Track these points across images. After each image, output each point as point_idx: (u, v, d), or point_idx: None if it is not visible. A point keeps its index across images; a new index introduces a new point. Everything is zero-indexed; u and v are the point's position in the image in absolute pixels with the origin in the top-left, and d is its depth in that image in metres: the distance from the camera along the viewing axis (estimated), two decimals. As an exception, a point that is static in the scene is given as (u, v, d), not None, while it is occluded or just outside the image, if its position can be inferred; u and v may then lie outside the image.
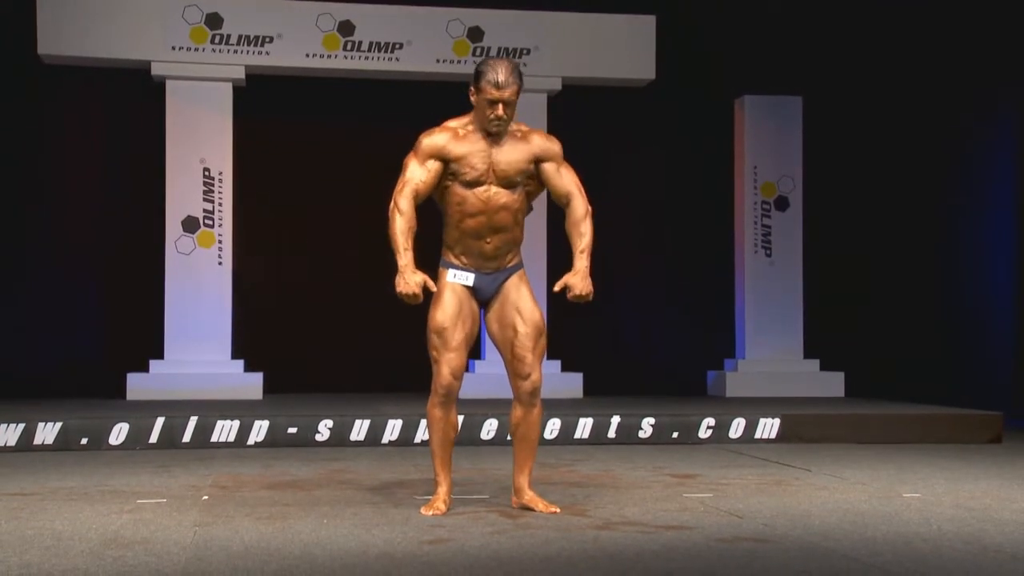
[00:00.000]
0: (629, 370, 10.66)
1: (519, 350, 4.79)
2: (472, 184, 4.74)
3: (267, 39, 9.63)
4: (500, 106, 4.66)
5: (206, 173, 9.62)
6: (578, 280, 4.73)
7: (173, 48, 9.50)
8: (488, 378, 8.93)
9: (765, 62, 10.73)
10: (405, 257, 4.65)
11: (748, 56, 10.76)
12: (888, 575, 3.66)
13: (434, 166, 4.75)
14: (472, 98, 4.74)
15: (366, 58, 9.78)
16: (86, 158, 10.13)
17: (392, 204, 4.72)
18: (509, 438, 5.10)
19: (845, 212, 10.97)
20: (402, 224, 4.69)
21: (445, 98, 10.16)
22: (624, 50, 10.16)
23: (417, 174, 4.75)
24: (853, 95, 10.86)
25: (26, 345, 9.81)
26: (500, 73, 4.63)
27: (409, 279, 4.62)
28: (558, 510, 4.79)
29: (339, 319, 10.36)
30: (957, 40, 10.23)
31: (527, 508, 4.84)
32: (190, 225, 9.57)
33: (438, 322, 4.76)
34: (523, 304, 4.83)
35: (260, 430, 7.41)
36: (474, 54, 9.85)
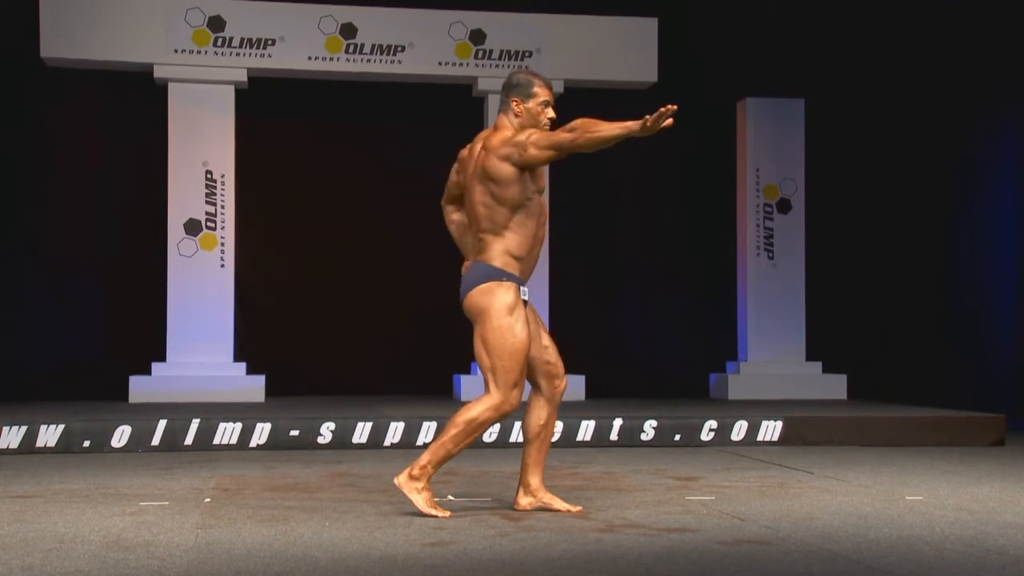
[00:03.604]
0: (631, 373, 10.66)
1: (553, 352, 4.91)
2: (541, 192, 4.82)
3: (269, 42, 9.64)
4: (551, 107, 4.81)
5: (208, 176, 9.62)
6: None
7: (176, 51, 9.51)
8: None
9: (767, 65, 10.72)
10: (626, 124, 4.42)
11: (750, 59, 10.75)
12: (891, 578, 3.66)
13: None
14: (517, 108, 4.78)
15: (368, 60, 9.79)
16: (88, 160, 10.13)
17: (575, 137, 4.48)
18: (520, 439, 5.10)
19: (847, 214, 10.96)
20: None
21: (447, 100, 10.20)
22: (626, 52, 10.16)
23: None
24: (855, 97, 10.86)
25: (28, 347, 9.81)
26: (544, 76, 4.85)
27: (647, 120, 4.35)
28: (580, 508, 4.87)
29: (341, 322, 10.36)
30: (959, 42, 10.23)
31: (543, 508, 4.85)
32: (192, 227, 9.57)
33: (527, 345, 4.72)
34: (537, 316, 4.95)
35: (262, 432, 7.41)
36: (476, 56, 9.85)
